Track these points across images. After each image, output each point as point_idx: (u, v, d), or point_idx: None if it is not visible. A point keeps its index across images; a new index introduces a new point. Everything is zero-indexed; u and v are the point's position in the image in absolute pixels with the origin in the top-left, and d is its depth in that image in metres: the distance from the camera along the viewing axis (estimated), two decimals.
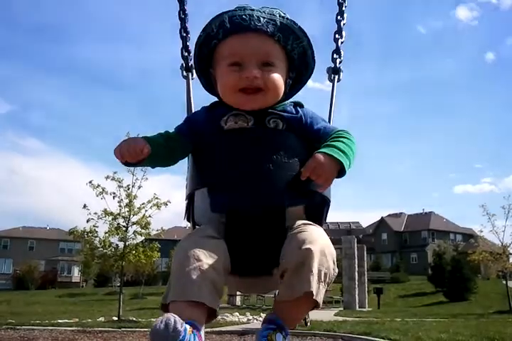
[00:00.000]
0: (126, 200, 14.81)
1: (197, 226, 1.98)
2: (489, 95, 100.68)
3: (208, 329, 10.15)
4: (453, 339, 7.04)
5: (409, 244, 70.27)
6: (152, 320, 14.00)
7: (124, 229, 14.81)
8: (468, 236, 60.53)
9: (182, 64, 2.41)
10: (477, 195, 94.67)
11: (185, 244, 1.62)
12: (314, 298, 1.50)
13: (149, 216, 14.88)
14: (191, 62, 2.34)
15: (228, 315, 16.32)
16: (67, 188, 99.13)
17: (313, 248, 1.50)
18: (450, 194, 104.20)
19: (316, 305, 1.56)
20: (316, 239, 1.54)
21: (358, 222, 27.03)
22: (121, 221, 14.84)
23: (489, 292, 31.41)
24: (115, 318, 14.36)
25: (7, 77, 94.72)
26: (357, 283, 24.23)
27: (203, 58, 1.80)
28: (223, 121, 1.73)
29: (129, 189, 14.89)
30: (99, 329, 10.65)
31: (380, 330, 8.67)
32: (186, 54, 2.40)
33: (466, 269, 30.70)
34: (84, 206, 14.67)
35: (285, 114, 1.74)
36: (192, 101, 2.33)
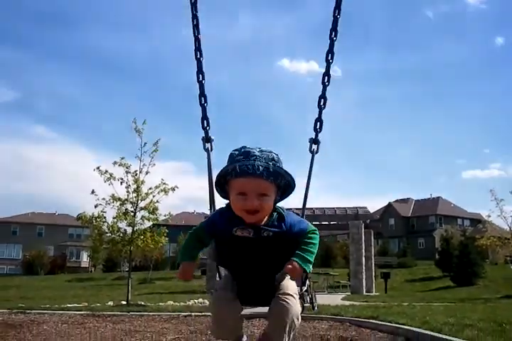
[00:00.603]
0: (134, 186, 14.85)
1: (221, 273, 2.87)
2: (498, 80, 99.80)
3: None
4: (460, 323, 7.04)
5: (417, 229, 70.33)
6: (160, 304, 14.12)
7: (132, 214, 14.87)
8: (476, 221, 60.56)
9: (203, 137, 3.04)
10: (485, 180, 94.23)
11: (216, 308, 2.59)
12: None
13: (157, 201, 14.93)
14: (210, 134, 3.06)
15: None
16: (75, 174, 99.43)
17: (287, 318, 2.53)
18: (458, 179, 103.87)
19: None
20: (290, 311, 2.53)
21: (365, 207, 27.04)
22: (129, 206, 14.89)
23: (497, 277, 31.40)
24: (124, 302, 14.49)
25: (15, 64, 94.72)
26: (364, 267, 24.29)
27: (221, 183, 2.53)
28: (234, 230, 2.48)
29: (136, 174, 14.93)
30: (108, 313, 10.75)
31: (387, 314, 8.69)
32: (206, 125, 3.07)
33: (473, 254, 30.67)
34: (93, 191, 14.74)
35: (272, 229, 2.48)
36: (213, 172, 2.88)
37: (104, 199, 14.73)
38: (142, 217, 14.94)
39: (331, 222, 27.88)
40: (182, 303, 14.71)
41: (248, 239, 2.47)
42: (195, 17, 3.34)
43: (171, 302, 14.81)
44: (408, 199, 76.34)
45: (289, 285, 2.60)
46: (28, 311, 11.21)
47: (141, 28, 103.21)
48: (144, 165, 14.99)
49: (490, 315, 8.21)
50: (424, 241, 67.83)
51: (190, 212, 73.50)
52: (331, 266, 43.27)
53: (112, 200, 14.78)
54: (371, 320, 8.29)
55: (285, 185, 2.49)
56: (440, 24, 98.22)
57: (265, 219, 2.50)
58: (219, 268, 2.84)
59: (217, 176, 2.51)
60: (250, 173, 2.34)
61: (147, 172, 15.00)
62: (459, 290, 26.72)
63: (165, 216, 15.58)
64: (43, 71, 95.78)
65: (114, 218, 14.89)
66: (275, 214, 2.52)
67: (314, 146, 3.02)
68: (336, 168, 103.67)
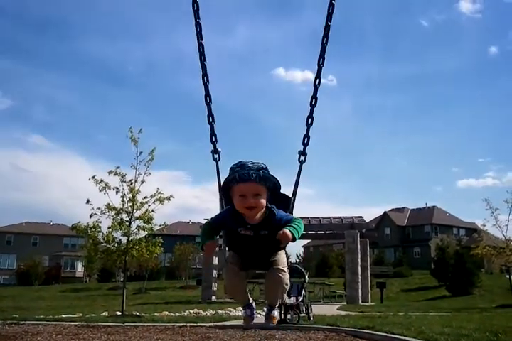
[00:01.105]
0: (129, 195, 14.83)
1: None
2: (492, 89, 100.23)
3: (212, 324, 10.19)
4: (456, 333, 7.04)
5: (412, 239, 70.29)
6: (155, 314, 14.06)
7: (127, 223, 14.84)
8: (472, 230, 60.47)
9: (212, 149, 3.55)
10: (480, 189, 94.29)
11: (229, 271, 3.34)
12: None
13: (152, 211, 14.91)
14: (217, 146, 3.60)
15: (232, 309, 16.38)
16: (70, 184, 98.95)
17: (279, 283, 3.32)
18: (453, 188, 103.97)
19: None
20: (282, 280, 3.30)
21: (360, 217, 27.05)
22: (124, 216, 14.86)
23: (492, 286, 31.41)
24: (118, 313, 14.41)
25: (11, 72, 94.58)
26: (360, 277, 24.26)
27: (225, 190, 3.22)
28: (240, 230, 3.19)
29: (131, 184, 14.92)
30: (103, 324, 10.68)
31: (383, 324, 8.68)
32: (214, 140, 3.59)
33: (469, 263, 30.68)
34: (88, 201, 14.70)
35: (266, 231, 3.17)
36: (221, 180, 3.33)
37: (99, 208, 14.71)
38: (137, 227, 14.91)
39: (327, 232, 27.87)
40: (177, 314, 14.64)
41: (249, 236, 3.18)
42: (198, 24, 3.69)
43: (166, 313, 14.74)
44: (403, 208, 76.36)
45: (281, 260, 3.34)
46: (22, 322, 11.14)
47: (138, 37, 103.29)
48: (139, 174, 15.03)
49: (485, 325, 8.22)
50: (420, 251, 67.77)
51: (186, 221, 73.34)
52: (326, 276, 43.19)
53: (107, 210, 14.75)
54: (367, 330, 8.28)
55: (273, 187, 3.18)
56: (434, 33, 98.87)
57: (260, 214, 3.15)
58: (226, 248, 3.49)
59: (223, 183, 3.24)
60: (246, 179, 3.03)
61: (143, 182, 15.02)
62: (454, 300, 26.69)
63: (160, 226, 15.56)
64: (39, 79, 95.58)
65: (109, 228, 14.85)
66: (268, 211, 3.19)
67: (302, 157, 3.54)
68: (331, 177, 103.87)
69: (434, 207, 74.02)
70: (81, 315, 14.13)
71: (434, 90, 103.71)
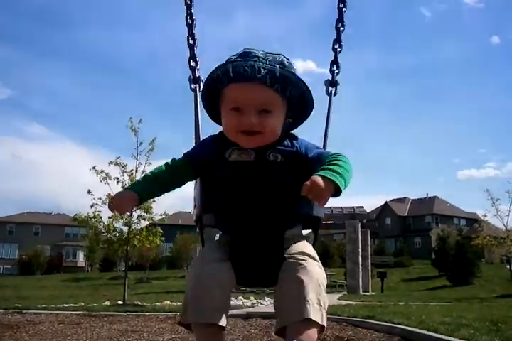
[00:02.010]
0: None
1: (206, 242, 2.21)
2: (494, 79, 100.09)
3: None
4: (456, 322, 7.05)
5: (413, 229, 70.44)
6: (157, 304, 14.11)
7: (128, 213, 14.85)
8: (473, 220, 60.62)
9: (190, 76, 2.70)
10: (481, 180, 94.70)
11: (195, 270, 1.89)
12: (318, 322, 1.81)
13: (153, 200, 14.91)
14: (198, 73, 2.71)
15: (232, 298, 16.42)
16: (71, 173, 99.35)
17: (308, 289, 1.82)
18: (454, 179, 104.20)
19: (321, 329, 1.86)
20: (313, 274, 1.86)
21: (361, 207, 27.05)
22: None
23: (493, 276, 31.48)
24: (120, 302, 14.47)
25: (10, 62, 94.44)
26: (360, 267, 24.31)
27: (210, 97, 1.96)
28: (227, 153, 1.91)
29: (132, 174, 14.92)
30: (105, 313, 10.73)
31: (383, 314, 8.69)
32: (194, 64, 2.72)
33: (469, 253, 30.74)
34: (89, 191, 14.73)
35: (282, 147, 1.91)
36: (199, 113, 2.54)
37: (100, 199, 14.74)
38: (138, 217, 14.94)
39: (328, 222, 27.89)
40: (179, 303, 14.68)
41: (248, 164, 1.89)
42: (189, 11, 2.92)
43: (168, 302, 14.80)
44: (405, 198, 76.45)
45: (305, 247, 1.98)
46: (25, 311, 11.19)
47: (138, 26, 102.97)
48: (139, 164, 15.03)
49: (486, 315, 8.23)
50: (421, 241, 67.93)
51: (187, 211, 73.43)
52: (327, 266, 43.28)
53: (108, 200, 14.75)
54: (367, 320, 8.29)
55: (298, 101, 1.92)
56: (437, 23, 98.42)
57: (270, 142, 1.91)
58: (203, 233, 2.21)
59: (204, 84, 1.96)
60: (247, 77, 1.78)
61: (143, 172, 14.99)
62: (455, 290, 26.76)
63: (161, 215, 15.58)
64: (38, 69, 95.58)
65: (109, 218, 14.89)
66: (285, 136, 1.95)
67: (331, 88, 2.68)
68: None
69: (435, 197, 74.10)
70: (83, 304, 14.18)
71: (434, 80, 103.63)
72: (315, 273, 1.85)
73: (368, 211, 29.36)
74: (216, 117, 2.00)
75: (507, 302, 14.40)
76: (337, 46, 2.83)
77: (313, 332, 1.77)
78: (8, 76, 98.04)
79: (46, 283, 38.73)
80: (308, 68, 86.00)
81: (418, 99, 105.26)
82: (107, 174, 14.73)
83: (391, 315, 8.50)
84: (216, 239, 2.04)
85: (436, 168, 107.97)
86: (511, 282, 21.46)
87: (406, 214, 72.59)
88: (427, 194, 76.00)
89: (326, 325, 1.83)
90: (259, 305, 13.72)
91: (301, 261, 1.86)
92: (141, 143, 15.00)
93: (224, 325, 1.82)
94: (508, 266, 25.74)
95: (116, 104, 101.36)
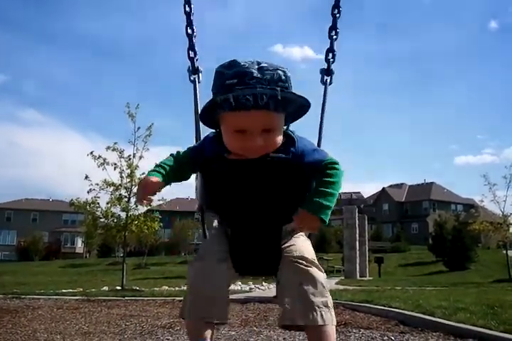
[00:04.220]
0: (128, 171, 14.82)
1: (207, 232, 2.35)
2: (492, 65, 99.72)
3: None
4: (453, 306, 7.10)
5: (410, 214, 70.74)
6: (155, 289, 14.18)
7: (126, 199, 14.86)
8: (470, 206, 60.83)
9: (189, 67, 2.71)
10: (478, 166, 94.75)
11: (195, 269, 1.98)
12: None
13: None
14: (197, 64, 2.73)
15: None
16: (67, 160, 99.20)
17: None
18: (451, 165, 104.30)
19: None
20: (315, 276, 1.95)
21: (359, 192, 27.13)
22: (123, 191, 14.89)
23: (489, 261, 31.68)
24: (119, 287, 14.54)
25: (3, 46, 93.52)
26: (358, 252, 24.45)
27: (208, 117, 1.95)
28: (227, 152, 1.96)
29: (130, 159, 14.90)
30: (103, 298, 10.77)
31: (380, 298, 8.75)
32: (193, 55, 2.71)
33: (466, 239, 30.88)
34: (86, 177, 14.72)
35: (279, 154, 1.94)
36: (199, 104, 2.56)
37: (97, 184, 14.72)
38: (136, 202, 14.93)
39: None
40: (177, 288, 14.78)
41: (246, 162, 1.93)
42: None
43: (166, 287, 14.89)
44: (402, 184, 76.66)
45: (304, 247, 2.04)
46: (23, 296, 11.23)
47: (132, 10, 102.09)
48: (137, 149, 14.98)
49: (482, 299, 8.29)
50: (418, 226, 68.29)
51: (185, 197, 73.60)
52: (325, 251, 43.51)
53: (105, 185, 14.75)
54: (365, 304, 8.35)
55: (297, 110, 1.96)
56: (435, 8, 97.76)
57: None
58: (205, 226, 2.37)
59: (202, 110, 1.93)
60: (250, 106, 1.77)
61: (141, 157, 14.98)
62: (451, 275, 26.95)
63: (159, 200, 15.58)
64: (32, 53, 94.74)
65: (107, 203, 14.89)
66: (283, 138, 1.98)
67: (327, 77, 2.69)
68: (330, 152, 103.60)
69: (432, 183, 74.32)
70: (81, 289, 14.25)
71: (432, 66, 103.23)
72: (318, 277, 1.95)
73: (365, 196, 29.44)
74: (213, 126, 2.01)
75: (503, 287, 14.51)
76: (333, 33, 2.81)
77: (331, 335, 1.89)
78: (3, 61, 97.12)
79: (44, 269, 38.87)
80: (306, 54, 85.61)
81: (416, 84, 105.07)
82: (104, 159, 14.71)
83: (388, 299, 8.55)
84: (216, 229, 2.17)
85: (434, 154, 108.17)
86: (507, 267, 21.57)
87: (403, 200, 72.85)
88: (425, 180, 76.32)
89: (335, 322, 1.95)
90: (257, 289, 13.80)
91: (305, 268, 1.95)
92: (138, 128, 14.95)
93: (224, 321, 1.97)
94: (504, 251, 25.83)
95: (113, 90, 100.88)
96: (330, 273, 26.23)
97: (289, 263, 1.96)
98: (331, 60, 2.73)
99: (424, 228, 64.91)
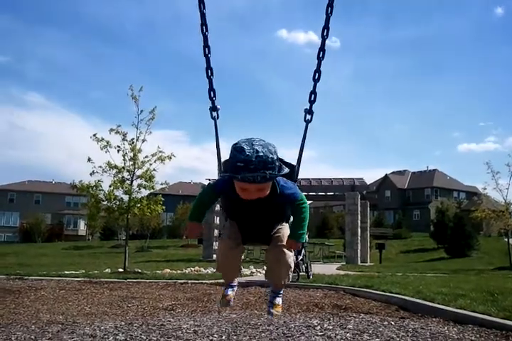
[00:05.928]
0: (131, 154, 14.81)
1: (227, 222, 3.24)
2: (496, 52, 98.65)
3: (213, 281, 10.35)
4: (453, 293, 7.13)
5: (413, 201, 70.70)
6: (157, 271, 14.27)
7: (128, 182, 14.87)
8: (472, 194, 60.77)
9: (210, 106, 3.26)
10: (481, 154, 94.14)
11: (223, 247, 3.10)
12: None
13: (154, 169, 14.91)
14: (216, 103, 3.30)
15: None
16: (70, 142, 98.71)
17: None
18: (454, 152, 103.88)
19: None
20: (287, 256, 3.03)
21: (361, 179, 27.09)
22: (125, 174, 14.89)
23: (490, 249, 31.74)
24: (121, 270, 14.63)
25: (4, 28, 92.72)
26: (359, 238, 24.52)
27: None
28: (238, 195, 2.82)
29: (133, 143, 14.88)
30: (106, 280, 10.86)
31: (381, 284, 8.79)
32: (213, 95, 3.29)
33: (468, 226, 30.89)
34: (89, 159, 14.72)
35: (269, 195, 2.78)
36: (219, 139, 3.19)
37: (100, 167, 14.72)
38: (139, 186, 14.95)
39: (328, 193, 27.99)
40: (179, 271, 14.87)
41: (250, 201, 2.80)
42: None
43: (168, 270, 14.97)
44: (405, 171, 76.52)
45: (285, 235, 3.03)
46: (26, 277, 11.32)
47: None
48: (140, 133, 14.96)
49: (482, 286, 8.32)
50: (420, 213, 68.29)
51: (187, 181, 73.71)
52: (326, 237, 43.66)
53: (108, 168, 14.76)
54: (365, 289, 8.39)
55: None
56: None
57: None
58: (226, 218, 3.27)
59: (223, 170, 3.05)
60: (251, 182, 2.64)
61: (144, 140, 14.96)
62: (452, 262, 27.03)
63: (161, 184, 15.58)
64: (33, 36, 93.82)
65: (110, 186, 14.89)
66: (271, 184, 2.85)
67: (308, 116, 3.20)
68: (334, 139, 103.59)
69: (435, 170, 74.17)
70: (84, 271, 14.34)
71: (436, 53, 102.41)
72: (288, 253, 3.01)
73: (367, 183, 29.36)
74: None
75: (504, 275, 14.55)
76: (325, 33, 3.29)
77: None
78: (4, 43, 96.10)
79: (47, 250, 39.09)
80: (310, 39, 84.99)
81: (419, 72, 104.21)
82: (107, 142, 14.68)
83: (389, 285, 8.60)
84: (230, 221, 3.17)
85: (437, 141, 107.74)
86: (508, 255, 21.61)
87: (406, 187, 72.76)
88: (427, 167, 76.12)
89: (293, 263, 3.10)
90: (258, 273, 13.86)
91: (282, 249, 3.00)
92: (141, 111, 14.91)
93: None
94: (505, 239, 25.84)
95: (114, 72, 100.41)
96: (331, 258, 26.37)
97: (274, 248, 3.02)
98: (313, 100, 3.22)
99: (426, 215, 64.91)
